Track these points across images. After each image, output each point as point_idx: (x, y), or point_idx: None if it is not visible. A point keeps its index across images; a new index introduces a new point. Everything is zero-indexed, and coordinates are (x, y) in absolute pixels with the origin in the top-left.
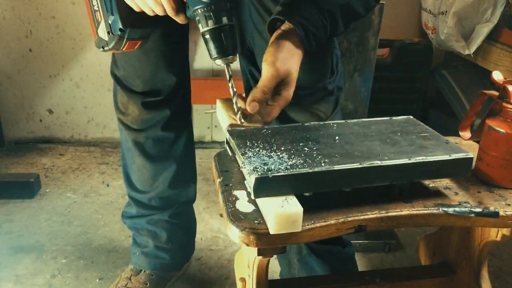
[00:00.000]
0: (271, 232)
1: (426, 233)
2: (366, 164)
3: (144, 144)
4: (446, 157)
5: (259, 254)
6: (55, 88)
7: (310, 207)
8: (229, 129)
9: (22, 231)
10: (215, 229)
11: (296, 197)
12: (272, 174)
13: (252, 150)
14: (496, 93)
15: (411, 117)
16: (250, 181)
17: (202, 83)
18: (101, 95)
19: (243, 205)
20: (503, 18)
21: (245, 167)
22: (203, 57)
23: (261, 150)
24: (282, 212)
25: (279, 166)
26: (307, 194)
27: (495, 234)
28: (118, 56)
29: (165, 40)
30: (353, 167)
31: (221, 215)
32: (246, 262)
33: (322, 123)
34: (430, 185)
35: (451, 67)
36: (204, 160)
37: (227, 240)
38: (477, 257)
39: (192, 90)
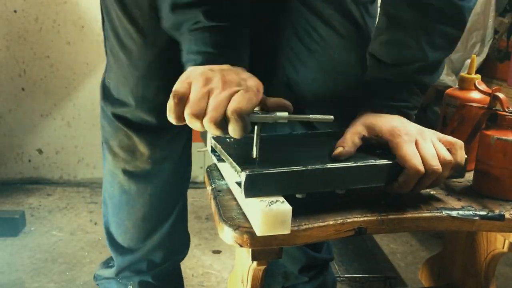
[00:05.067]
0: (258, 233)
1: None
2: (360, 163)
3: (152, 192)
4: None
5: (253, 259)
6: (46, 128)
7: (308, 209)
8: (214, 136)
9: (3, 268)
10: (206, 265)
11: (292, 200)
12: (264, 171)
13: (241, 152)
14: (479, 104)
15: None
16: (241, 179)
17: None
18: (92, 135)
19: (235, 208)
20: (491, 51)
21: (234, 166)
22: None
23: (250, 152)
24: (269, 211)
25: (271, 164)
26: (299, 196)
27: (501, 245)
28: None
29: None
30: (348, 165)
31: (214, 251)
32: (240, 278)
33: (310, 132)
34: (431, 192)
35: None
36: (197, 199)
37: (219, 276)
38: (484, 273)
39: None
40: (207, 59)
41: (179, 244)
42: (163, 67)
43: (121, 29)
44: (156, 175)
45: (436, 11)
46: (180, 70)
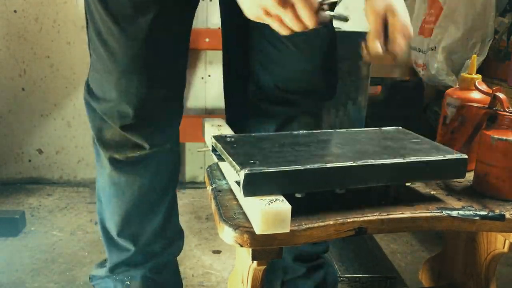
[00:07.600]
0: (257, 232)
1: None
2: (359, 162)
3: (141, 184)
4: (440, 157)
5: (253, 259)
6: (46, 128)
7: (308, 209)
8: (215, 135)
9: (3, 268)
10: (207, 265)
11: (292, 200)
12: (263, 170)
13: (241, 151)
14: (480, 104)
15: (400, 127)
16: (240, 178)
17: (195, 121)
18: None
19: (235, 208)
20: (492, 51)
21: (234, 165)
22: (196, 95)
23: (249, 151)
24: (268, 210)
25: (270, 163)
26: (299, 195)
27: (501, 245)
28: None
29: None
30: (347, 165)
31: (214, 251)
32: (240, 278)
33: (310, 131)
34: (432, 192)
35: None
36: (197, 199)
37: (219, 276)
38: (484, 274)
39: (185, 128)
40: None
41: (172, 235)
42: (145, 60)
43: (103, 27)
44: (144, 167)
45: None
46: (162, 62)
